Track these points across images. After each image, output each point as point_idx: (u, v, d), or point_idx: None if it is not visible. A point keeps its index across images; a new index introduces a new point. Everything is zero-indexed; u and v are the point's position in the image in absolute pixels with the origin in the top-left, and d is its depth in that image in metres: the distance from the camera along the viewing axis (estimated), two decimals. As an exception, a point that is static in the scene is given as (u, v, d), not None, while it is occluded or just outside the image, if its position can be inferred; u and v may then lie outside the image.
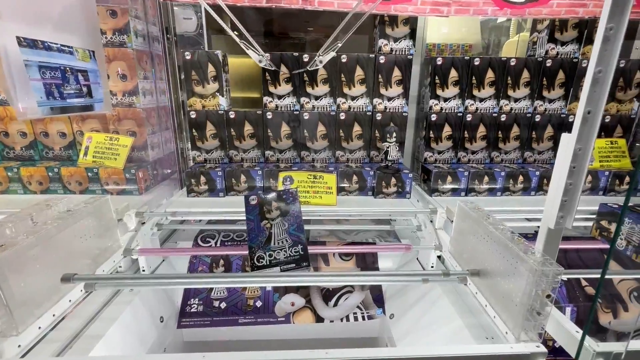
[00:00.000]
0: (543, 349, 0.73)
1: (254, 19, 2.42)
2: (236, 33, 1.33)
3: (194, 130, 1.65)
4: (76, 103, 0.93)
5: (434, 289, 1.23)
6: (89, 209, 0.96)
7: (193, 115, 1.62)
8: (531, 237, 1.44)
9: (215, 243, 1.55)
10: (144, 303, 1.18)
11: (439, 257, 1.36)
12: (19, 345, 0.74)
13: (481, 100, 1.67)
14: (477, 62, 1.61)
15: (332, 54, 1.43)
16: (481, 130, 1.71)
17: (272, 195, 1.08)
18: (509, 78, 1.64)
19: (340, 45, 1.38)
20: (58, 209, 0.92)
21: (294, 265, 1.03)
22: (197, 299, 1.40)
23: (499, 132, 1.72)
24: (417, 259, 1.48)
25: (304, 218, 1.09)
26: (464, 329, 1.00)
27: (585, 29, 1.60)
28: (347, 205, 1.51)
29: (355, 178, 1.60)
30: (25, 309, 0.75)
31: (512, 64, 1.62)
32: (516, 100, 1.68)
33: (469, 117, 1.68)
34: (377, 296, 1.43)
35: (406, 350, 0.73)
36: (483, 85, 1.65)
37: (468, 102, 1.67)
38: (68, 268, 0.87)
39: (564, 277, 1.28)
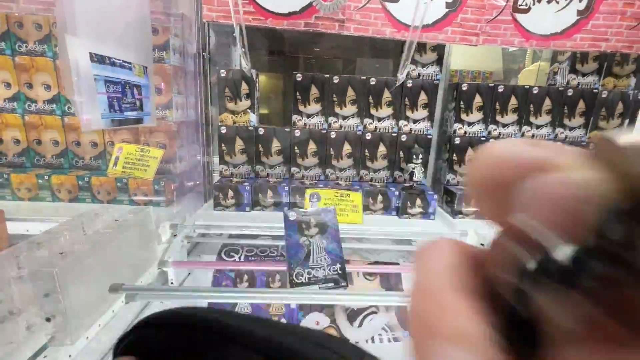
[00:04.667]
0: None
1: (279, 40, 2.52)
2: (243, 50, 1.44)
3: (223, 145, 1.68)
4: (130, 116, 0.96)
5: (464, 312, 1.22)
6: (134, 219, 0.97)
7: (223, 130, 1.65)
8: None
9: (239, 257, 1.54)
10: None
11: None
12: (70, 355, 0.74)
13: (504, 125, 1.72)
14: (500, 89, 1.66)
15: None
16: (503, 154, 1.74)
17: (310, 210, 1.10)
18: (531, 105, 1.69)
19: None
20: (105, 219, 0.93)
21: (333, 284, 1.03)
22: (221, 314, 1.39)
23: (521, 157, 1.75)
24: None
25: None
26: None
27: (605, 62, 1.67)
28: (373, 224, 1.52)
29: (380, 197, 1.61)
30: (78, 319, 0.75)
31: (535, 92, 1.67)
32: (538, 126, 1.72)
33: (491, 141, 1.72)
34: (404, 318, 1.42)
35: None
36: (506, 112, 1.69)
37: (491, 127, 1.71)
38: (113, 278, 0.88)
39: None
